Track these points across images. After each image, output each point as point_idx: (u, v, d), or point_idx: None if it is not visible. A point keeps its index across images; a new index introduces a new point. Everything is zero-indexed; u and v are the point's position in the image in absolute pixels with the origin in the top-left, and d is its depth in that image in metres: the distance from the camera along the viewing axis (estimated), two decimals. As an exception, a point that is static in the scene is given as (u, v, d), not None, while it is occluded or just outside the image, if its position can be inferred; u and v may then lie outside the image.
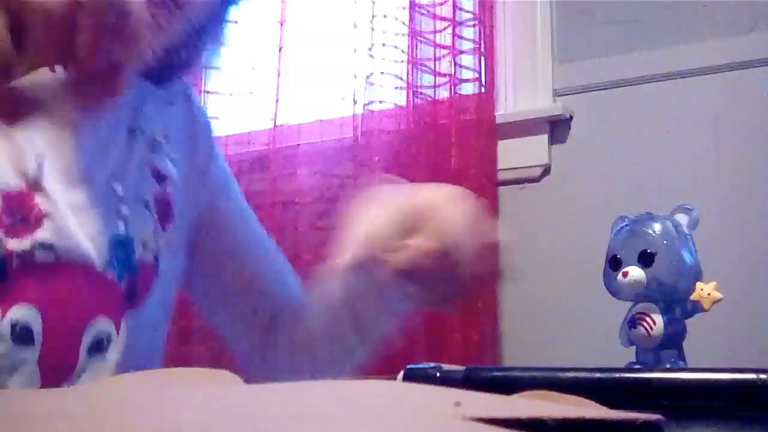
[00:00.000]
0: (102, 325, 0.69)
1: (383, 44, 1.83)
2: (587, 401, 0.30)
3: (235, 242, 0.90)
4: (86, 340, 0.67)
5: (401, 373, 0.32)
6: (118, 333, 0.70)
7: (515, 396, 0.29)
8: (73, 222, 0.67)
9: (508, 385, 0.31)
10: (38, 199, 0.65)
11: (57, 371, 0.65)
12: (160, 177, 0.80)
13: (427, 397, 0.25)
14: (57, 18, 0.59)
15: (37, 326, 0.63)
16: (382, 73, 1.82)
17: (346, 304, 0.82)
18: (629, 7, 1.71)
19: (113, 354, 0.69)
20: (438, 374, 0.32)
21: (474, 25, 1.83)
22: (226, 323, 0.93)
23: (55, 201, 0.66)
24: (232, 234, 0.90)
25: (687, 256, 0.75)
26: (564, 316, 1.66)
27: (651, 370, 0.29)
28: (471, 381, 0.32)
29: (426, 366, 0.33)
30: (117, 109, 0.76)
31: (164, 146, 0.81)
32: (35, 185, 0.66)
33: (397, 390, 0.27)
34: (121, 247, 0.72)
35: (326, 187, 1.88)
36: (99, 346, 0.68)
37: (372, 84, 1.82)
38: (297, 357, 0.88)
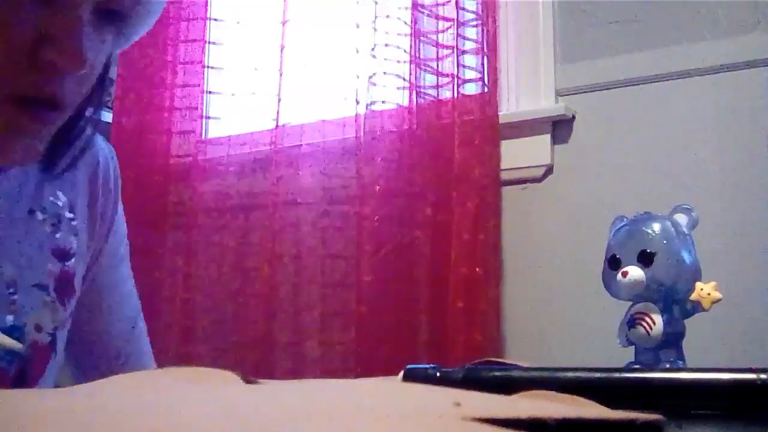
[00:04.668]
0: None
1: (386, 44, 1.83)
2: (587, 401, 0.30)
3: (97, 293, 0.88)
4: None
5: (401, 373, 0.32)
6: None
7: (515, 396, 0.29)
8: None
9: (508, 385, 0.31)
10: None
11: None
12: (63, 254, 0.79)
13: (427, 397, 0.25)
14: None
15: None
16: (384, 73, 1.82)
17: None
18: (631, 7, 1.71)
19: None
20: (438, 374, 0.32)
21: (476, 25, 1.83)
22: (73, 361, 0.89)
23: None
24: (100, 284, 0.88)
25: (686, 256, 0.75)
26: (565, 315, 1.66)
27: (651, 370, 0.29)
28: (471, 381, 0.32)
29: (426, 366, 0.33)
30: (15, 193, 0.75)
31: (69, 221, 0.80)
32: None
33: (397, 390, 0.27)
34: (9, 335, 0.71)
35: (328, 188, 1.88)
36: None
37: (374, 84, 1.82)
38: None
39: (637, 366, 0.72)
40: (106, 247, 0.87)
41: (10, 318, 0.71)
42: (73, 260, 0.80)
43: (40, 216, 0.77)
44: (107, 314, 0.88)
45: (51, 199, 0.79)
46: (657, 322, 0.74)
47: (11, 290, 0.72)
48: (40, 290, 0.75)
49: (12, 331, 0.72)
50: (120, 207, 0.90)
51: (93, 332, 0.87)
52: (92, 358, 0.88)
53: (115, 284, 0.90)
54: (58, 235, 0.79)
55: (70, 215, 0.81)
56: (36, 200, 0.77)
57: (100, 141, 0.88)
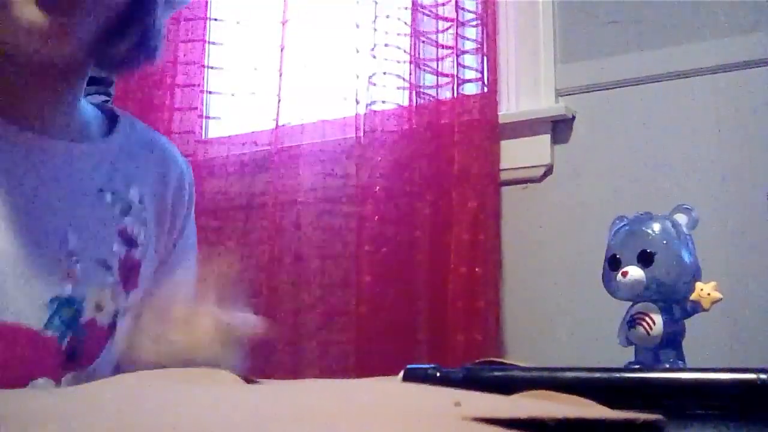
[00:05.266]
0: (42, 385, 0.67)
1: (385, 44, 1.83)
2: (587, 401, 0.30)
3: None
4: None
5: (401, 373, 0.32)
6: None
7: (515, 396, 0.29)
8: (10, 277, 0.66)
9: (508, 385, 0.31)
10: None
11: None
12: (129, 240, 0.79)
13: (427, 397, 0.25)
14: None
15: None
16: (384, 73, 1.82)
17: None
18: (631, 7, 1.71)
19: None
20: (438, 374, 0.32)
21: (476, 25, 1.83)
22: None
23: None
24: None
25: (686, 256, 0.75)
26: (565, 316, 1.66)
27: (651, 370, 0.29)
28: (471, 381, 0.32)
29: (426, 366, 0.33)
30: (88, 170, 0.76)
31: (138, 211, 0.80)
32: None
33: (397, 390, 0.27)
34: (65, 306, 0.71)
35: (328, 187, 1.88)
36: None
37: (374, 84, 1.82)
38: None
39: (637, 366, 0.72)
40: (172, 257, 0.87)
41: (68, 288, 0.71)
42: (139, 249, 0.80)
43: (109, 197, 0.78)
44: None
45: (122, 187, 0.79)
46: (657, 322, 0.74)
47: (73, 259, 0.72)
48: (103, 268, 0.75)
49: (70, 302, 0.71)
50: (192, 221, 0.90)
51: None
52: None
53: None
54: (126, 220, 0.79)
55: (140, 206, 0.81)
56: (107, 182, 0.78)
57: (176, 152, 0.89)
